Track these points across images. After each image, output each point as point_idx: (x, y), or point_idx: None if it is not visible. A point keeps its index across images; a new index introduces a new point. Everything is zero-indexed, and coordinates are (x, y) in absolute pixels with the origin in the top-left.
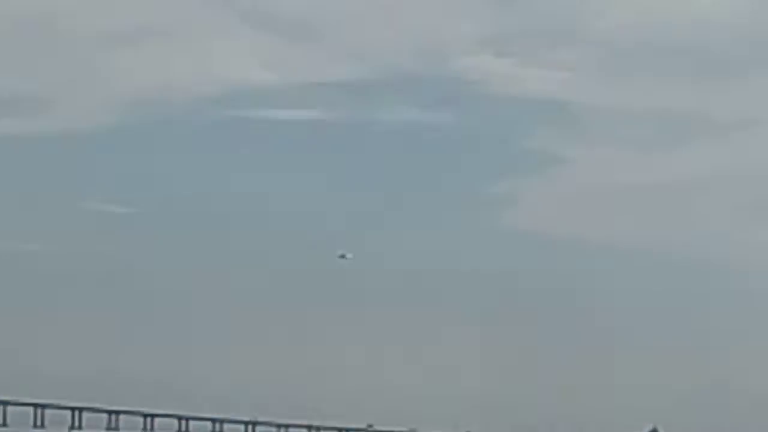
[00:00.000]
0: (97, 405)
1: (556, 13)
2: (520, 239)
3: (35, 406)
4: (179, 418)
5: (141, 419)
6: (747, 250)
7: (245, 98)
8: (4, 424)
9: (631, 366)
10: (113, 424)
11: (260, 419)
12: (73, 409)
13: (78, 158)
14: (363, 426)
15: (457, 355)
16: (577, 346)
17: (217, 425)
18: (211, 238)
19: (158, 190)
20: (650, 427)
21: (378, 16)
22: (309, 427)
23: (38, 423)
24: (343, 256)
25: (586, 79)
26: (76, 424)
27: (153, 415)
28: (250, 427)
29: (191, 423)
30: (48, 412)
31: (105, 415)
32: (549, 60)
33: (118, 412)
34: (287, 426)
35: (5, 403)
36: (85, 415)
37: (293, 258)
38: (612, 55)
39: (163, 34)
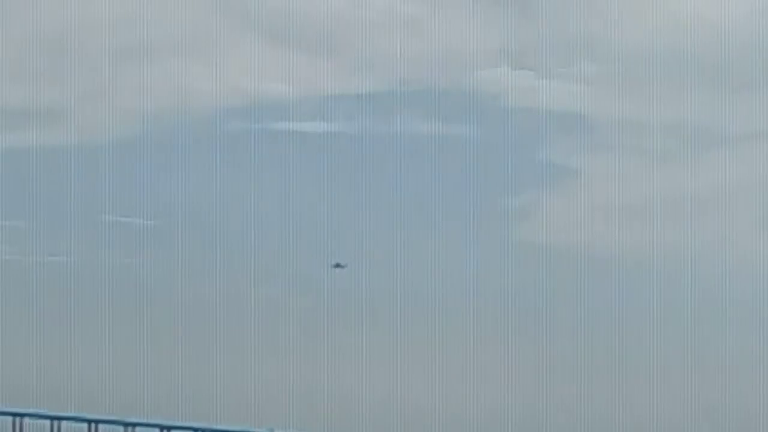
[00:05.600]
0: (113, 417)
1: (574, 25)
2: (535, 252)
3: (51, 418)
4: (195, 430)
5: (158, 431)
6: (763, 264)
7: (264, 111)
8: None
9: (646, 382)
10: None
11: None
12: (89, 421)
13: (98, 170)
14: None
15: (470, 370)
16: (591, 362)
17: None
18: (232, 249)
19: (179, 203)
20: None
21: (396, 28)
22: None
23: None
24: (337, 266)
25: (603, 91)
26: None
27: (170, 428)
28: None
29: None
30: (64, 424)
31: (121, 428)
32: (566, 73)
33: (134, 425)
34: None
35: (21, 415)
36: (102, 427)
37: (313, 270)
38: (628, 69)
39: (181, 47)
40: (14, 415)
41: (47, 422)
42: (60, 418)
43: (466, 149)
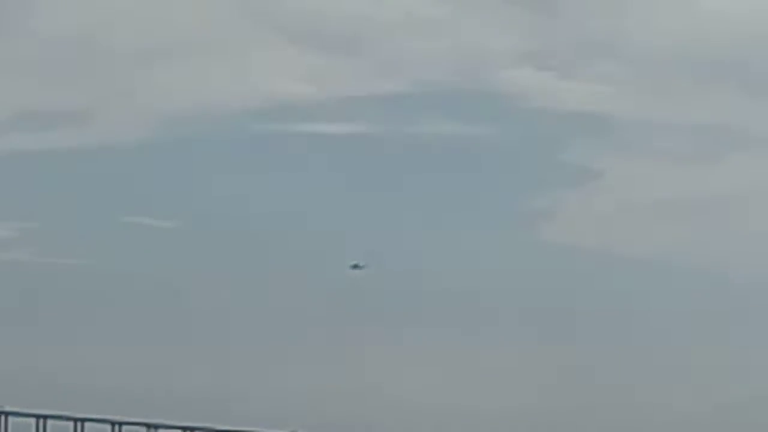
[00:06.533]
0: (136, 419)
1: (596, 27)
2: (558, 253)
3: (75, 420)
4: None
5: None
6: None
7: (286, 112)
8: None
9: (669, 382)
10: None
11: None
12: (112, 423)
13: (119, 173)
14: None
15: (494, 370)
16: (614, 362)
17: None
18: (251, 251)
19: (199, 204)
20: None
21: (418, 30)
22: None
23: None
24: (356, 266)
25: (625, 93)
26: None
27: (192, 428)
28: None
29: None
30: (87, 426)
31: (144, 429)
32: (588, 74)
33: (157, 426)
34: None
35: (45, 417)
36: (125, 429)
37: (333, 272)
38: (651, 70)
39: (202, 49)
40: (37, 416)
41: (70, 424)
42: (83, 420)
43: (488, 150)
